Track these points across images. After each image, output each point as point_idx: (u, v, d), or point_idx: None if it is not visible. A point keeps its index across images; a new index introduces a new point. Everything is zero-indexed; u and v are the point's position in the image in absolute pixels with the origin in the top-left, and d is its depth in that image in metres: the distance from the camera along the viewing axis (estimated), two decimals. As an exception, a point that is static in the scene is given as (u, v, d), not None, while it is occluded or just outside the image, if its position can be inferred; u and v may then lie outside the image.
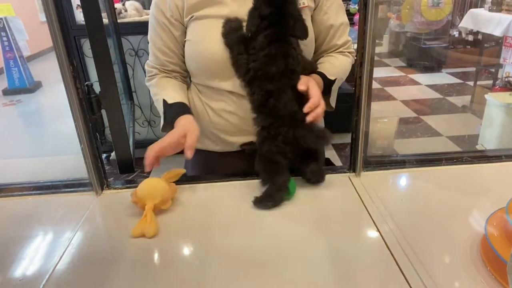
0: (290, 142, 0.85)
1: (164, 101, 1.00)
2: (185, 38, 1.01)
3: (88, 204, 0.91)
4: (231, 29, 0.92)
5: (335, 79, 1.03)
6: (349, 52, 1.10)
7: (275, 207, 0.84)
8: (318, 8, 1.02)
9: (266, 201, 0.85)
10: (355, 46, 0.94)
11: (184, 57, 1.04)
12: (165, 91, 1.02)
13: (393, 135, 2.96)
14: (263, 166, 0.88)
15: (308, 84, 0.88)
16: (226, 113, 1.01)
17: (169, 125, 0.98)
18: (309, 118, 0.85)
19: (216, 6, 0.96)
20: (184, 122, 0.94)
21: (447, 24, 5.24)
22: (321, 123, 1.16)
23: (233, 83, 0.97)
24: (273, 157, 0.85)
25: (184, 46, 1.02)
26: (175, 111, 0.98)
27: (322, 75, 1.01)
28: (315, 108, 0.86)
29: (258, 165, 0.89)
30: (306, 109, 0.85)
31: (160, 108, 1.01)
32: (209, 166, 1.10)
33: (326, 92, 1.03)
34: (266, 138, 0.86)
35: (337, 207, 0.86)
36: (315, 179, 0.93)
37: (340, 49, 1.08)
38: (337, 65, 1.05)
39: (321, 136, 0.87)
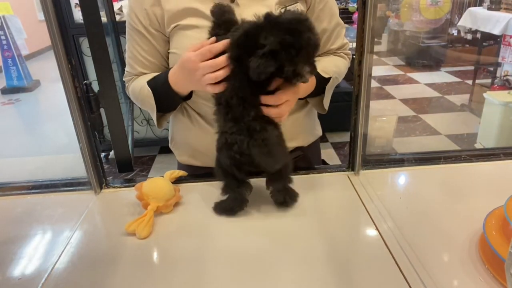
0: (247, 154, 0.75)
1: (148, 82, 0.91)
2: (167, 49, 0.94)
3: (87, 203, 0.91)
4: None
5: (329, 78, 0.97)
6: (345, 54, 1.05)
7: (235, 216, 0.82)
8: (310, 11, 0.97)
9: (228, 213, 0.82)
10: (354, 45, 0.93)
11: (165, 69, 0.96)
12: (147, 77, 0.94)
13: (392, 134, 2.96)
14: (222, 176, 0.81)
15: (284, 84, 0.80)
16: None
17: (167, 96, 0.89)
18: (265, 110, 0.77)
19: (201, 16, 0.90)
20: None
21: (446, 23, 5.25)
22: (316, 128, 1.13)
23: None
24: (229, 169, 0.78)
25: (165, 58, 0.96)
26: (162, 75, 0.89)
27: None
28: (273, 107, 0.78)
29: (217, 174, 0.82)
30: (262, 99, 0.77)
31: (146, 95, 0.91)
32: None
33: (320, 91, 0.99)
34: (223, 145, 0.78)
35: (335, 206, 0.86)
36: (281, 200, 0.83)
37: (335, 52, 1.03)
38: (331, 64, 0.99)
39: (271, 158, 0.75)
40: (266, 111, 0.77)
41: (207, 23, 0.88)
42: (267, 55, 0.69)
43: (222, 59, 0.75)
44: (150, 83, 0.92)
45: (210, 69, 0.76)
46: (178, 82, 0.87)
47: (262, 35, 0.70)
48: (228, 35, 0.77)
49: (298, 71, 0.73)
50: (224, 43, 0.75)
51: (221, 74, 0.76)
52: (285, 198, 0.83)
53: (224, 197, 0.83)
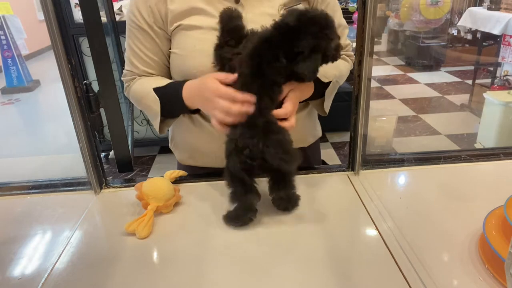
0: (259, 158, 0.74)
1: (156, 88, 0.90)
2: (169, 48, 0.94)
3: (87, 203, 0.91)
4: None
5: (329, 82, 0.96)
6: (347, 55, 1.03)
7: (244, 226, 0.81)
8: None
9: (235, 222, 0.80)
10: (354, 44, 0.93)
11: (167, 68, 0.97)
12: (152, 81, 0.93)
13: (392, 134, 2.96)
14: (230, 182, 0.80)
15: (288, 94, 0.83)
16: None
17: (175, 106, 0.89)
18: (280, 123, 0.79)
19: (205, 16, 0.89)
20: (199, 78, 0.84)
21: (445, 23, 5.25)
22: (316, 128, 1.13)
23: None
24: (238, 174, 0.77)
25: (167, 57, 0.95)
26: (174, 85, 0.89)
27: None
28: (285, 121, 0.80)
29: (226, 180, 0.80)
30: (274, 112, 0.79)
31: (152, 102, 0.90)
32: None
33: (319, 95, 0.98)
34: (232, 150, 0.76)
35: (335, 206, 0.86)
36: (283, 207, 0.83)
37: None
38: (332, 68, 0.95)
39: (289, 156, 0.76)
40: (280, 124, 0.79)
41: (210, 23, 0.88)
42: (310, 53, 0.73)
43: (238, 108, 0.76)
44: (158, 90, 0.91)
45: (224, 110, 0.77)
46: (191, 99, 0.88)
47: (294, 38, 0.73)
48: (240, 48, 0.80)
49: (336, 49, 0.78)
50: (247, 97, 0.75)
51: (229, 120, 0.77)
52: (287, 206, 0.83)
53: (233, 206, 0.81)
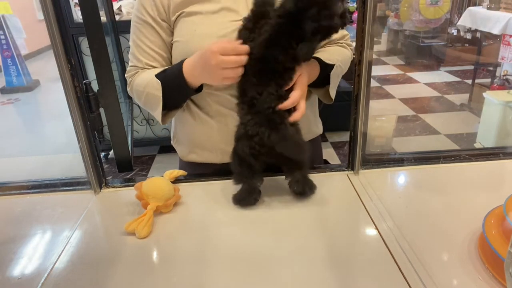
0: (267, 145, 0.78)
1: (157, 74, 0.91)
2: (172, 39, 0.95)
3: (87, 202, 0.91)
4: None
5: (333, 65, 0.97)
6: (347, 45, 1.06)
7: (249, 206, 0.85)
8: None
9: (242, 203, 0.84)
10: (354, 44, 0.93)
11: (171, 63, 0.98)
12: (154, 71, 0.94)
13: (392, 133, 2.97)
14: (237, 165, 0.83)
15: (297, 81, 0.83)
16: (224, 117, 0.97)
17: (177, 88, 0.90)
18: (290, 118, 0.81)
19: (205, 3, 0.92)
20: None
21: (445, 22, 5.25)
22: (317, 125, 1.13)
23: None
24: (246, 158, 0.80)
25: (171, 50, 0.97)
26: (174, 65, 0.91)
27: (318, 61, 0.95)
28: (294, 112, 0.82)
29: (232, 163, 0.84)
30: (280, 106, 0.79)
31: (154, 87, 0.91)
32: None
33: (325, 80, 0.98)
34: (243, 135, 0.80)
35: (335, 205, 0.86)
36: (300, 190, 0.84)
37: (337, 42, 1.05)
38: (335, 53, 1.00)
39: (297, 146, 0.80)
40: (293, 118, 0.81)
41: (210, 8, 0.90)
42: (311, 36, 0.75)
43: (244, 58, 0.78)
44: (159, 75, 0.92)
45: (229, 64, 0.79)
46: (192, 71, 0.88)
47: (299, 22, 0.74)
48: (262, 31, 0.79)
49: (343, 15, 0.77)
50: (247, 47, 0.79)
51: (238, 73, 0.80)
52: (304, 189, 0.84)
53: (239, 188, 0.85)
